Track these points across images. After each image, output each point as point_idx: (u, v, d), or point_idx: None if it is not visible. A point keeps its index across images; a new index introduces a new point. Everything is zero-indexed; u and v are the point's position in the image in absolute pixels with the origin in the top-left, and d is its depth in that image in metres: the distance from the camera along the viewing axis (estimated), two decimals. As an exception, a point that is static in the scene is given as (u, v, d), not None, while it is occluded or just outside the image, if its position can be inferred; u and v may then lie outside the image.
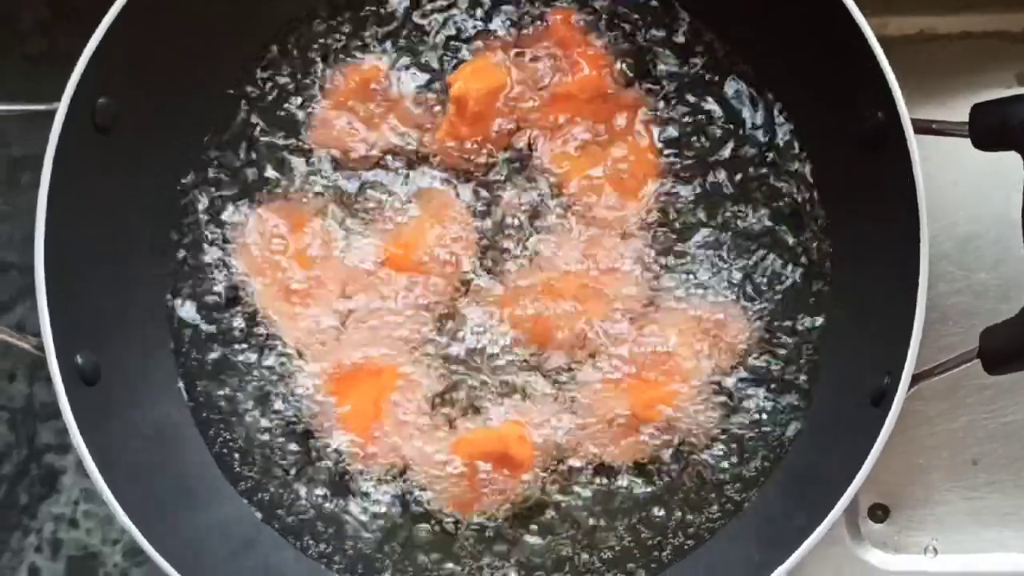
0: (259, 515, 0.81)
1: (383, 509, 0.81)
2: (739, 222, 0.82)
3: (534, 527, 0.81)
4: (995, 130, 0.67)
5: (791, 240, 0.82)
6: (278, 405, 0.82)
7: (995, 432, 0.87)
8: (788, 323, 0.81)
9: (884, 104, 0.71)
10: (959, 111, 0.71)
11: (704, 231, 0.82)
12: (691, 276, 0.82)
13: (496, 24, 0.83)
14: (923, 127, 0.71)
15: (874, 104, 0.72)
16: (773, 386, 0.81)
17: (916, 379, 0.70)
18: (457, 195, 0.82)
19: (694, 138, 0.83)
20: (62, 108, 0.71)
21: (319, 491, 0.81)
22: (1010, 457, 0.87)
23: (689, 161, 0.82)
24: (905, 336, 0.70)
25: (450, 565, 0.81)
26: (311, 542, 0.81)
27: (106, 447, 0.72)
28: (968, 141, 0.70)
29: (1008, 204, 0.69)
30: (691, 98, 0.83)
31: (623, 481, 0.80)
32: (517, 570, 0.80)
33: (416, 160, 0.83)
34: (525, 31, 0.83)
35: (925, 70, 0.88)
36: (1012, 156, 0.67)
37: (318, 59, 0.84)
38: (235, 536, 0.80)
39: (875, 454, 0.69)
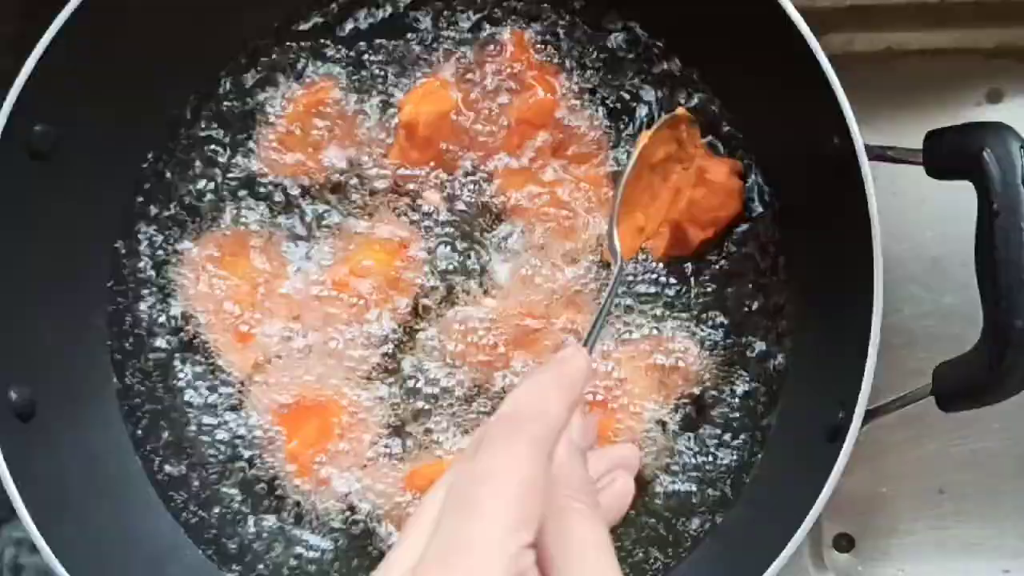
0: (203, 551, 0.80)
1: (331, 543, 0.79)
2: (696, 251, 0.80)
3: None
4: (949, 159, 0.66)
5: (750, 271, 0.80)
6: (223, 437, 0.80)
7: (962, 460, 0.85)
8: (745, 355, 0.79)
9: (840, 131, 0.69)
10: (923, 135, 0.69)
11: (660, 258, 0.80)
12: (647, 307, 0.80)
13: (447, 46, 0.81)
14: (878, 154, 0.69)
15: (831, 130, 0.70)
16: (730, 419, 0.79)
17: (870, 415, 0.68)
18: (408, 221, 0.80)
19: (651, 162, 0.81)
20: (-2, 129, 0.70)
21: (266, 524, 0.79)
22: (977, 486, 0.85)
23: (645, 186, 0.80)
24: (859, 371, 0.68)
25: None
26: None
27: (40, 484, 0.70)
28: (931, 168, 0.68)
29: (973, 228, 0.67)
30: (647, 122, 0.81)
31: (576, 515, 0.78)
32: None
33: (366, 185, 0.81)
34: (479, 52, 0.81)
35: (894, 87, 0.87)
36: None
37: (266, 85, 0.82)
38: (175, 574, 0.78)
39: (829, 489, 0.68)
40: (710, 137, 0.81)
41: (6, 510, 0.91)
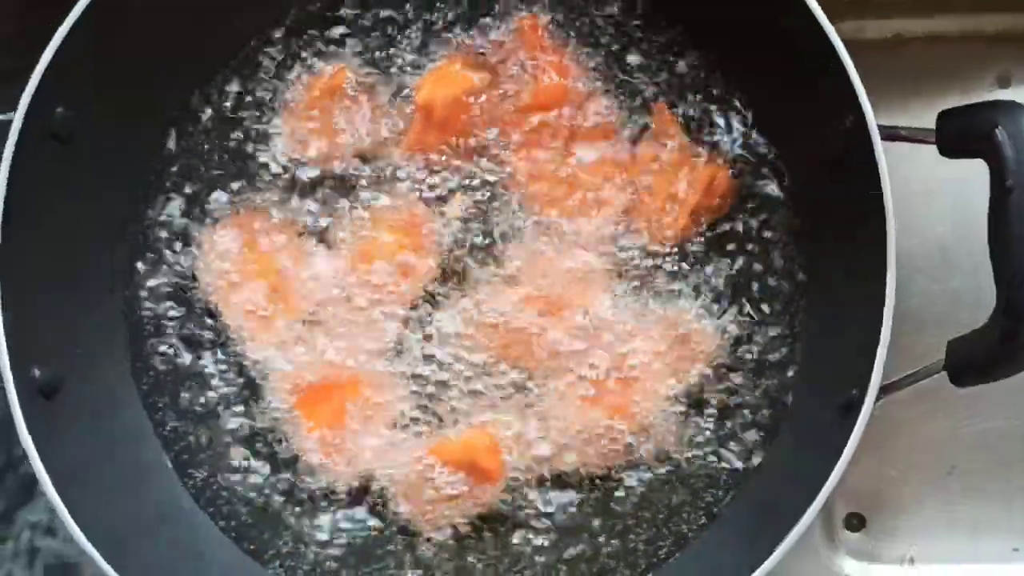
0: (219, 527, 0.81)
1: (349, 520, 0.80)
2: (710, 233, 0.81)
3: (505, 537, 0.80)
4: (962, 137, 0.67)
5: (762, 251, 0.81)
6: (241, 414, 0.81)
7: (971, 440, 0.86)
8: (759, 334, 0.80)
9: (853, 111, 0.70)
10: (934, 116, 0.70)
11: (674, 239, 0.81)
12: (662, 287, 0.81)
13: (463, 31, 0.82)
14: (891, 134, 0.70)
15: (843, 111, 0.71)
16: (745, 398, 0.80)
17: (884, 391, 0.69)
18: (424, 204, 0.81)
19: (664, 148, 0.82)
20: (18, 117, 0.71)
21: (283, 504, 0.80)
22: (986, 465, 0.86)
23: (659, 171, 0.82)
24: (873, 347, 0.69)
25: (415, 570, 0.80)
26: (273, 555, 0.80)
27: (64, 460, 0.71)
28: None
29: (984, 213, 0.68)
30: (663, 107, 0.82)
31: (595, 491, 0.80)
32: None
33: (383, 169, 0.82)
34: (492, 38, 0.82)
35: (903, 73, 0.87)
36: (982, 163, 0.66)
37: (282, 69, 0.83)
38: (194, 551, 0.79)
39: (843, 464, 0.69)
40: (723, 120, 0.82)
41: (22, 494, 0.93)
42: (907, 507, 0.86)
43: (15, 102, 0.72)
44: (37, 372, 0.73)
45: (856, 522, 0.87)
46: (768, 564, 0.70)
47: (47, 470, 0.70)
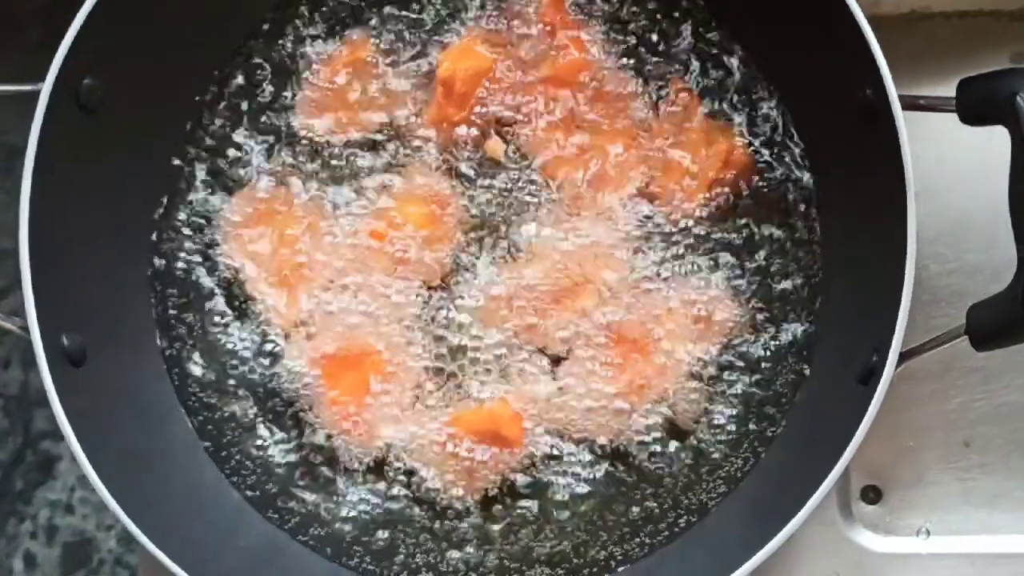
0: (244, 496, 0.81)
1: (371, 490, 0.81)
2: (728, 207, 0.82)
3: (526, 505, 0.80)
4: (982, 105, 0.67)
5: (781, 220, 0.82)
6: (264, 384, 0.82)
7: (987, 414, 0.86)
8: (777, 303, 0.81)
9: (873, 81, 0.71)
10: (952, 90, 0.70)
11: (693, 211, 0.82)
12: (680, 258, 0.81)
13: (485, 6, 0.83)
14: (911, 103, 0.70)
15: (863, 82, 0.72)
16: (763, 366, 0.81)
17: (904, 356, 0.70)
18: (445, 176, 0.82)
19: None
20: (46, 88, 0.71)
21: (306, 473, 0.81)
22: (1002, 439, 0.86)
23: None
24: (893, 313, 0.69)
25: (437, 544, 0.81)
26: (298, 524, 0.81)
27: (92, 428, 0.72)
28: (959, 122, 0.70)
29: (999, 186, 0.69)
30: (681, 80, 0.83)
31: (615, 461, 0.80)
32: (508, 544, 0.81)
33: (404, 141, 0.83)
34: (514, 12, 0.83)
35: (918, 49, 0.88)
36: (1002, 135, 0.67)
37: (306, 40, 0.84)
38: (221, 519, 0.80)
39: (863, 431, 0.69)
40: (741, 93, 0.82)
41: (41, 473, 0.93)
42: (923, 480, 0.87)
43: (43, 73, 0.72)
44: (66, 340, 0.73)
45: (872, 495, 0.87)
46: (785, 532, 0.70)
47: (77, 438, 0.70)
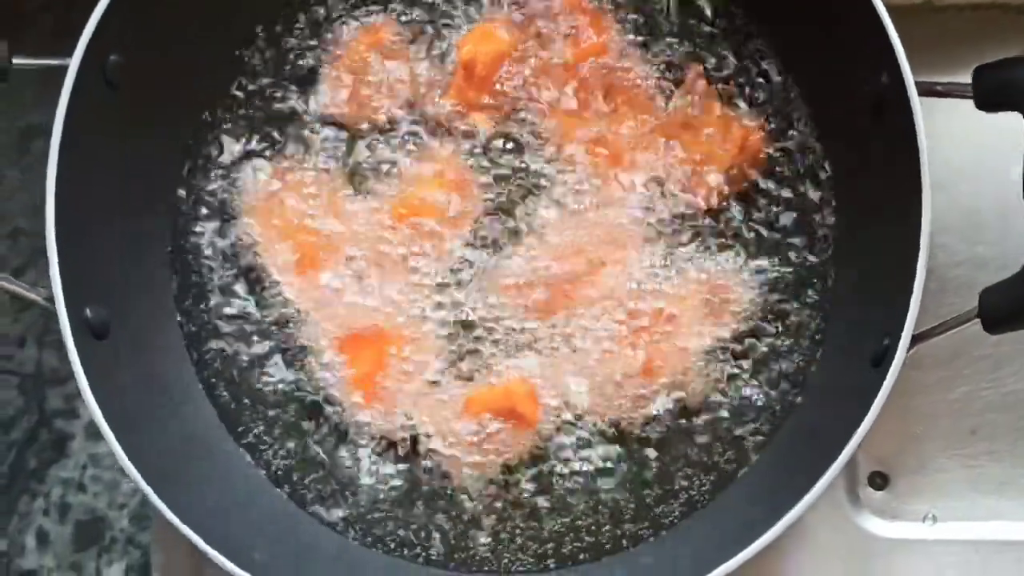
0: (261, 472, 0.82)
1: (390, 468, 0.82)
2: (744, 192, 0.83)
3: (543, 482, 0.81)
4: (998, 91, 0.68)
5: (795, 206, 0.83)
6: (281, 363, 0.83)
7: (994, 402, 0.87)
8: (791, 286, 0.82)
9: (889, 67, 0.72)
10: (966, 79, 0.71)
11: (708, 196, 0.83)
12: (694, 242, 0.82)
13: (504, -11, 0.84)
14: (927, 89, 0.71)
15: (879, 67, 0.73)
16: (776, 349, 0.82)
17: (916, 339, 0.70)
18: (464, 158, 0.83)
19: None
20: (74, 63, 0.72)
21: (325, 450, 0.82)
22: (1009, 427, 0.87)
23: (694, 127, 0.83)
24: (905, 297, 0.70)
25: (452, 521, 0.82)
26: (315, 500, 0.82)
27: (114, 400, 0.73)
28: (974, 112, 0.71)
29: (1011, 176, 0.70)
30: (698, 67, 0.84)
31: (627, 441, 0.81)
32: (524, 522, 0.81)
33: (424, 123, 0.84)
34: (534, -3, 0.84)
35: (930, 41, 0.88)
36: (1017, 124, 0.68)
37: (328, 23, 0.85)
38: (240, 492, 0.80)
39: (874, 413, 0.70)
40: (758, 79, 0.83)
41: (54, 451, 0.94)
42: (930, 467, 0.88)
43: (71, 49, 0.73)
44: (89, 312, 0.74)
45: (879, 481, 0.88)
46: (793, 514, 0.71)
47: (101, 409, 0.71)
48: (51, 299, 0.72)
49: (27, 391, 0.95)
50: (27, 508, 0.94)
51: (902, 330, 0.70)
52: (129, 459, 0.71)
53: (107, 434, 0.71)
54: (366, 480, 0.82)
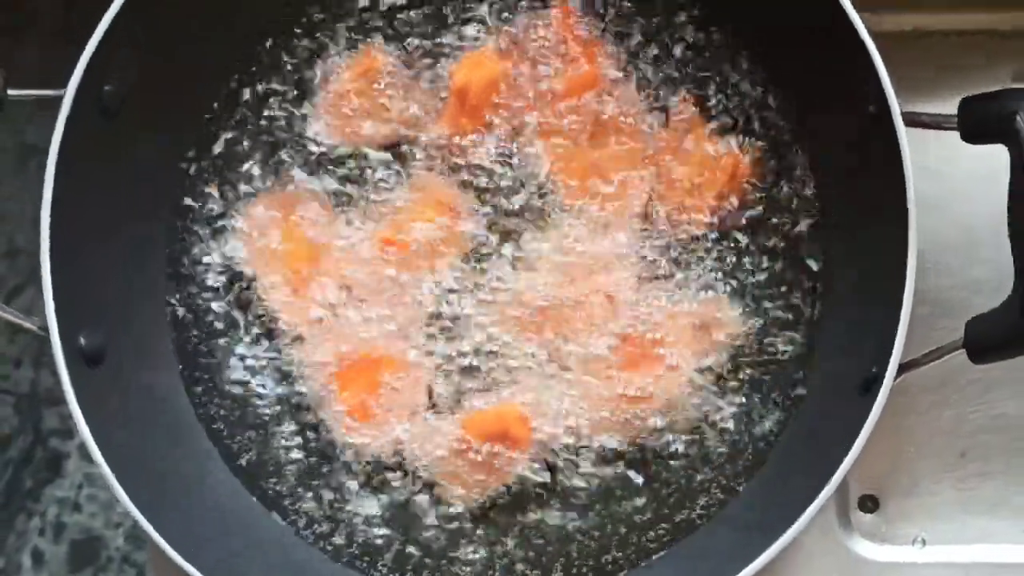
0: (253, 495, 0.83)
1: (380, 491, 0.82)
2: (733, 219, 0.83)
3: (534, 507, 0.82)
4: (983, 123, 0.69)
5: (785, 236, 0.83)
6: (275, 389, 0.83)
7: (984, 425, 0.88)
8: (780, 314, 0.83)
9: (876, 98, 0.72)
10: (952, 107, 0.72)
11: (698, 223, 0.83)
12: (685, 269, 0.83)
13: (498, 16, 0.85)
14: (913, 120, 0.72)
15: (867, 98, 0.73)
16: (765, 376, 0.82)
17: (903, 368, 0.71)
18: (456, 185, 0.84)
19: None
20: (69, 94, 0.73)
21: (316, 473, 0.82)
22: (999, 449, 0.88)
23: (684, 153, 0.84)
24: (893, 326, 0.71)
25: (444, 546, 0.82)
26: (307, 525, 0.83)
27: (107, 428, 0.73)
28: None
29: (1003, 201, 0.70)
30: (689, 95, 0.84)
31: (617, 465, 0.82)
32: (516, 547, 0.82)
33: (417, 150, 0.84)
34: (527, 24, 0.84)
35: (920, 66, 0.89)
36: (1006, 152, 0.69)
37: (319, 51, 0.85)
38: (231, 518, 0.81)
39: (862, 440, 0.71)
40: (747, 107, 0.84)
41: (50, 471, 0.95)
42: (920, 489, 0.88)
43: (60, 73, 0.74)
44: (83, 340, 0.74)
45: (870, 504, 0.88)
46: (784, 539, 0.71)
47: (94, 438, 0.72)
48: (45, 328, 0.72)
49: (23, 411, 0.95)
50: (23, 527, 0.94)
51: (889, 358, 0.71)
52: (120, 485, 0.71)
53: (101, 464, 0.71)
54: (358, 505, 0.82)
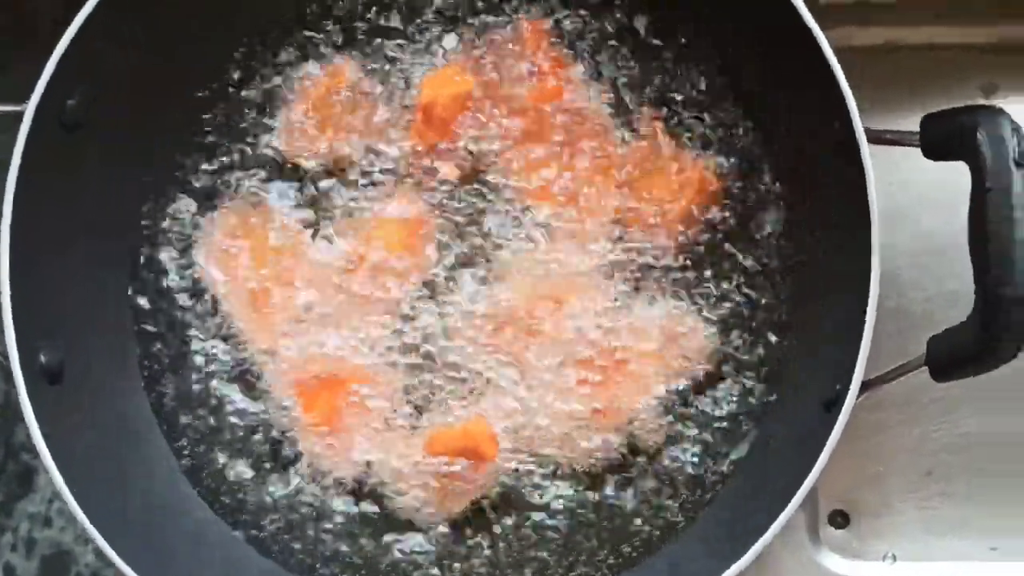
0: (217, 514, 0.82)
1: (348, 509, 0.82)
2: (700, 234, 0.83)
3: (496, 523, 0.82)
4: (945, 140, 0.69)
5: (751, 252, 0.83)
6: (240, 406, 0.83)
7: (949, 444, 0.88)
8: (747, 333, 0.83)
9: (840, 115, 0.72)
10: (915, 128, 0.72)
11: (666, 241, 0.83)
12: (652, 285, 0.83)
13: (466, 32, 0.85)
14: (876, 137, 0.72)
15: (832, 115, 0.73)
16: (732, 394, 0.82)
17: (866, 386, 0.71)
18: (423, 201, 0.84)
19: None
20: (30, 109, 0.73)
21: (283, 492, 0.82)
22: (962, 468, 0.88)
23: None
24: (856, 344, 0.71)
25: (413, 561, 0.82)
26: (273, 544, 0.82)
27: (68, 445, 0.73)
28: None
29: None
30: (657, 111, 0.84)
31: (583, 481, 0.82)
32: (480, 564, 0.82)
33: (383, 164, 0.84)
34: (495, 40, 0.84)
35: (891, 80, 0.89)
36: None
37: (286, 67, 0.85)
38: (195, 536, 0.81)
39: (825, 457, 0.71)
40: (714, 122, 0.84)
41: (22, 486, 0.94)
42: (889, 507, 0.88)
43: (27, 94, 0.73)
44: (43, 357, 0.74)
45: (840, 519, 0.88)
46: (751, 554, 0.71)
47: (52, 455, 0.71)
48: (5, 355, 0.72)
49: (-7, 425, 0.95)
50: (-5, 543, 0.94)
51: (852, 376, 0.70)
52: (83, 510, 0.71)
53: (58, 483, 0.71)
54: (326, 521, 0.82)
